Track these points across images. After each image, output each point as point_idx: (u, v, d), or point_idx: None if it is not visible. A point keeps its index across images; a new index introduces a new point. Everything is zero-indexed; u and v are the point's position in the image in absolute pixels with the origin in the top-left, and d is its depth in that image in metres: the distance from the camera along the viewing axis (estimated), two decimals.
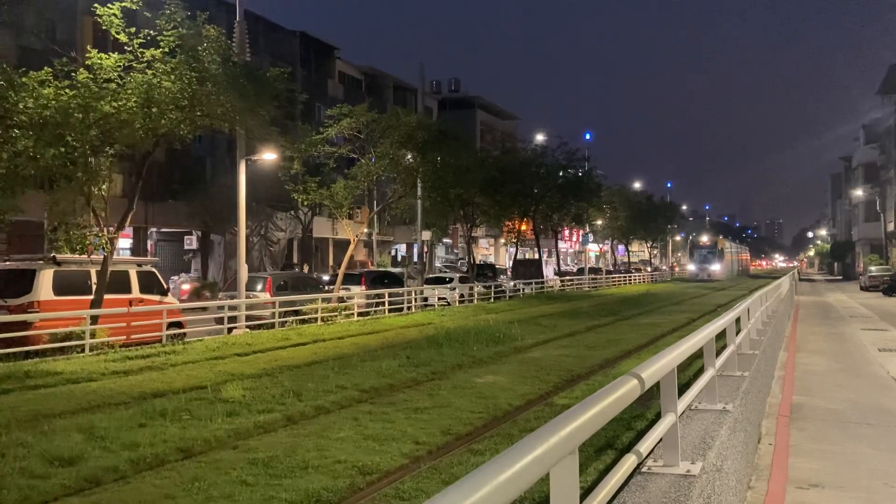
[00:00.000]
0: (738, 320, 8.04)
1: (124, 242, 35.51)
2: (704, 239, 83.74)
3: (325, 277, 33.36)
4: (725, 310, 9.22)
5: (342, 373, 12.38)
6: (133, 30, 16.45)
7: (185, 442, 7.86)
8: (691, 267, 78.55)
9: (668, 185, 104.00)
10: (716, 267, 75.24)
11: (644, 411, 9.05)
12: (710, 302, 34.40)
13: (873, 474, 6.47)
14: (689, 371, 9.64)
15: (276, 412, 9.35)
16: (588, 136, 70.48)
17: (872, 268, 52.25)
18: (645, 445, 3.61)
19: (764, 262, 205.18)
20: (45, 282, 15.57)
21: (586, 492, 2.78)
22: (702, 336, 5.28)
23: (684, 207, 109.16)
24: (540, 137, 54.72)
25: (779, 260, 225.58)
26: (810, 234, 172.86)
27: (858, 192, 73.10)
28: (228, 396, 10.22)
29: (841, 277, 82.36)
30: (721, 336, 6.97)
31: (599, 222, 63.67)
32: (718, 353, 6.34)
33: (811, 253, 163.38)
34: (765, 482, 6.26)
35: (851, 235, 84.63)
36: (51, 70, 15.61)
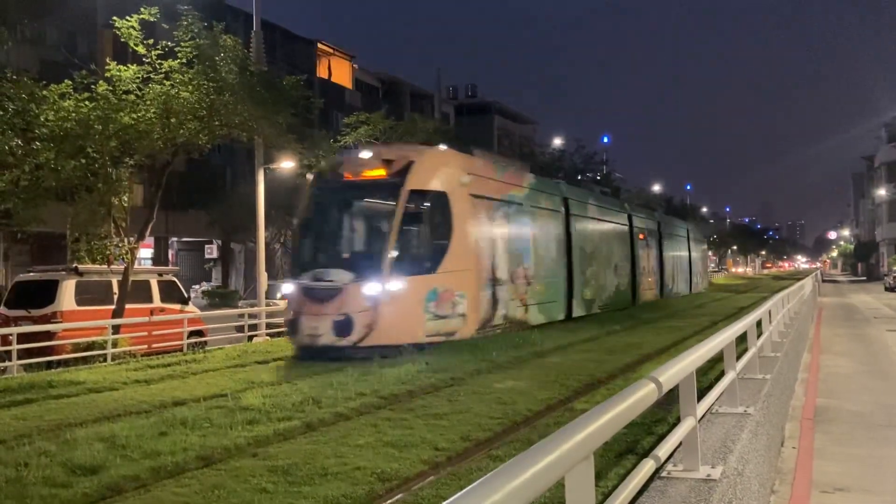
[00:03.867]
0: (759, 323, 7.96)
1: (145, 252, 35.85)
2: (361, 157, 16.81)
3: None
4: (747, 312, 9.12)
5: (361, 379, 12.38)
6: (151, 41, 16.62)
7: (205, 450, 7.88)
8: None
9: (688, 187, 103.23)
10: (367, 292, 14.67)
11: (665, 415, 8.96)
12: (732, 305, 34.08)
13: None
14: (710, 374, 9.54)
15: (296, 419, 9.36)
16: (606, 140, 70.32)
17: None
18: (664, 450, 3.57)
19: (786, 264, 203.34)
20: (67, 292, 15.74)
21: (604, 497, 2.75)
22: (721, 339, 5.23)
23: (704, 210, 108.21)
24: (557, 141, 54.66)
25: (801, 261, 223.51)
26: (833, 235, 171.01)
27: (881, 192, 72.23)
28: (248, 404, 10.24)
29: (865, 278, 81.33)
30: (742, 339, 6.90)
31: None
32: (739, 356, 6.27)
33: (834, 254, 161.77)
34: (788, 486, 6.17)
35: (875, 236, 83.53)
36: (71, 83, 15.82)
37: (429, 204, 16.20)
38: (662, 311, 29.50)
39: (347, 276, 14.90)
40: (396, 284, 14.89)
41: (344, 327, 14.46)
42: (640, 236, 33.27)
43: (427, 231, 16.41)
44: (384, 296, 14.68)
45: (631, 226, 32.11)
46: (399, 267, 15.04)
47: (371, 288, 14.67)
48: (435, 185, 16.32)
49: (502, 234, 19.11)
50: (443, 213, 16.35)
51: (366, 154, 16.85)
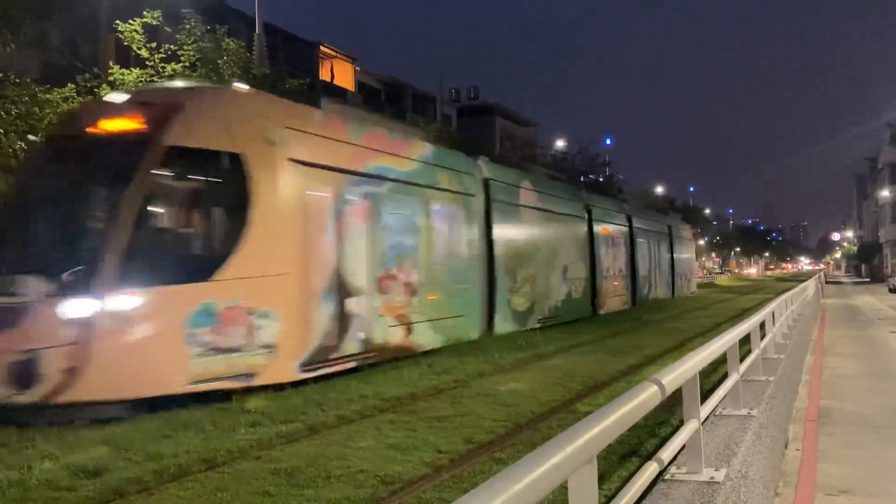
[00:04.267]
0: (762, 325, 7.95)
1: None
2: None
3: None
4: (751, 314, 9.11)
5: (363, 381, 12.38)
6: (154, 45, 16.67)
7: (208, 452, 7.89)
8: None
9: (691, 189, 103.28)
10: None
11: (669, 417, 8.95)
12: (734, 306, 34.04)
13: None
14: (713, 376, 9.53)
15: (299, 422, 9.36)
16: (608, 142, 70.37)
17: None
18: (667, 452, 3.57)
19: (789, 266, 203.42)
20: None
21: (607, 500, 2.75)
22: (724, 341, 5.23)
23: (707, 211, 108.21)
24: (560, 143, 54.72)
25: (804, 263, 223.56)
26: (836, 237, 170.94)
27: (885, 193, 72.21)
28: (251, 406, 10.25)
29: (868, 280, 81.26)
30: (745, 341, 6.89)
31: None
32: (742, 358, 6.27)
33: (837, 255, 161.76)
34: (792, 488, 6.16)
35: (878, 237, 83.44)
36: (74, 86, 15.86)
37: (206, 170, 10.47)
38: (670, 311, 29.39)
39: (39, 287, 8.97)
40: (129, 300, 9.22)
41: (26, 373, 8.71)
42: (604, 232, 27.50)
43: (201, 214, 10.45)
44: (105, 319, 9.05)
45: (590, 219, 26.14)
46: (138, 271, 9.33)
47: (78, 306, 8.97)
48: (218, 141, 10.32)
49: (363, 223, 13.01)
50: (233, 187, 10.37)
51: (118, 97, 10.88)
